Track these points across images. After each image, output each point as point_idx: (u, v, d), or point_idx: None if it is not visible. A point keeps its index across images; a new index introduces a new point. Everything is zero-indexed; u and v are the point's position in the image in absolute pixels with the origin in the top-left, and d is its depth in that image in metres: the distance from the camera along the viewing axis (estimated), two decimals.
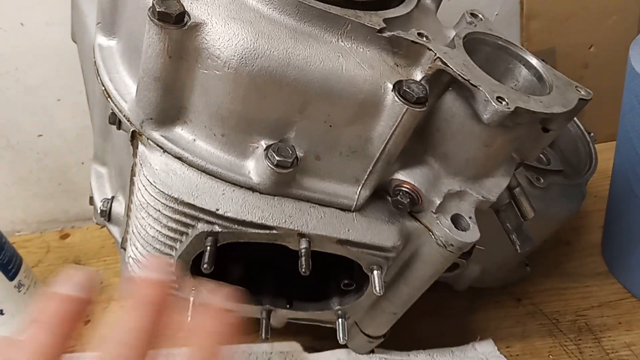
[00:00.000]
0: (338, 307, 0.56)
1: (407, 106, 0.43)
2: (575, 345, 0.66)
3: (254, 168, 0.45)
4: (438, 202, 0.49)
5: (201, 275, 0.47)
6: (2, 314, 0.75)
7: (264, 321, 0.55)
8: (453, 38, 0.47)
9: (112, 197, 0.59)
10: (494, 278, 0.70)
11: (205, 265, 0.44)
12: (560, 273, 0.74)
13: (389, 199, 0.49)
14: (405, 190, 0.48)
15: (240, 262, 0.56)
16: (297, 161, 0.45)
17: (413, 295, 0.55)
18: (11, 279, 0.75)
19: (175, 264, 0.48)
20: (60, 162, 1.00)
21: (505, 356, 0.65)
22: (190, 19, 0.40)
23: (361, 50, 0.44)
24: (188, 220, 0.46)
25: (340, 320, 0.56)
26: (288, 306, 0.57)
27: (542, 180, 0.63)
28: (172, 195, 0.44)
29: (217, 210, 0.44)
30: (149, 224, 0.47)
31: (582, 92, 0.48)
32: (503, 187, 0.51)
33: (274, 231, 0.46)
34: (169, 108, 0.44)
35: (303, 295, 0.58)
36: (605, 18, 0.83)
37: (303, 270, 0.45)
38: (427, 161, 0.49)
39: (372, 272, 0.50)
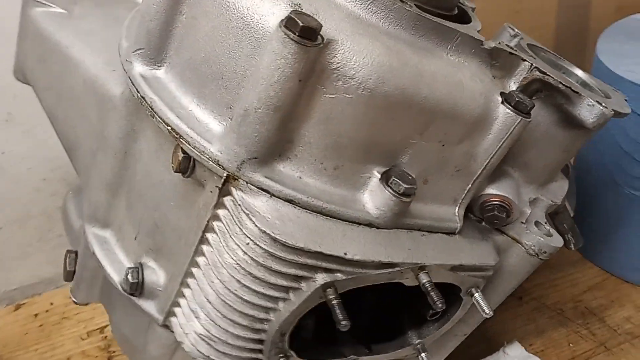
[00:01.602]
0: (418, 341, 0.52)
1: (520, 117, 0.42)
2: (587, 329, 0.71)
3: (370, 200, 0.40)
4: (527, 211, 0.48)
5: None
6: None
7: None
8: (520, 48, 0.48)
9: (140, 265, 0.47)
10: None
11: (343, 322, 0.38)
12: (545, 266, 0.79)
13: (473, 215, 0.48)
14: (498, 204, 0.47)
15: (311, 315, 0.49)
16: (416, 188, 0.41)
17: (490, 315, 0.53)
18: None
19: (275, 330, 0.41)
20: None
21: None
22: (323, 37, 0.34)
23: (467, 64, 0.42)
24: (305, 273, 0.39)
25: (424, 354, 0.52)
26: (368, 351, 0.51)
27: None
28: (296, 245, 0.37)
29: (346, 254, 0.38)
30: (245, 286, 0.39)
31: (623, 95, 0.52)
32: (565, 189, 0.52)
33: (397, 268, 0.41)
34: (277, 143, 0.37)
35: (376, 338, 0.53)
36: (530, 32, 0.92)
37: (439, 305, 0.41)
38: (507, 172, 0.49)
39: (472, 295, 0.47)
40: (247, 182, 0.37)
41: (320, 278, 0.39)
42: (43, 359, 0.74)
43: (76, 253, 0.55)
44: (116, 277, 0.48)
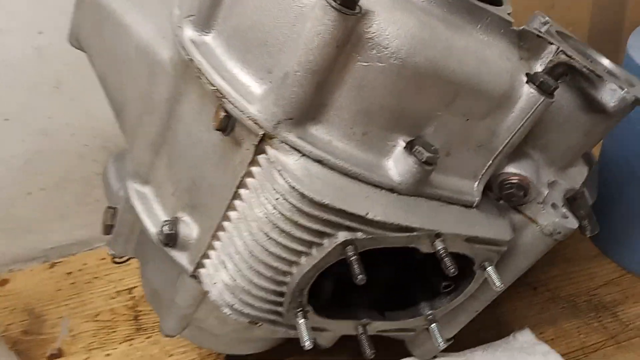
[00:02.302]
0: (430, 312, 0.55)
1: (543, 97, 0.44)
2: (598, 322, 0.72)
3: (394, 167, 0.43)
4: (545, 192, 0.50)
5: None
6: None
7: (363, 336, 0.52)
8: (549, 33, 0.50)
9: (176, 218, 0.51)
10: None
11: (360, 276, 0.41)
12: (562, 259, 0.81)
13: (492, 193, 0.50)
14: (517, 183, 0.49)
15: (330, 277, 0.52)
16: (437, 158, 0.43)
17: (502, 289, 0.55)
18: None
19: (295, 283, 0.44)
20: (1, 194, 0.84)
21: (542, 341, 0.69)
22: (361, 7, 0.37)
23: (496, 43, 0.44)
24: (328, 229, 0.41)
25: (434, 325, 0.54)
26: (381, 317, 0.54)
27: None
28: (322, 201, 0.40)
29: (367, 214, 0.41)
30: (272, 239, 0.42)
31: None
32: (585, 175, 0.54)
33: (415, 233, 0.44)
34: (312, 106, 0.40)
35: (390, 306, 0.55)
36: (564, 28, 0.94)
37: (452, 271, 0.43)
38: (528, 152, 0.51)
39: (485, 269, 0.49)
40: (281, 141, 0.40)
41: (342, 235, 0.41)
42: (73, 314, 0.79)
43: (115, 209, 0.59)
44: (153, 229, 0.51)
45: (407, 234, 0.43)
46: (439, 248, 0.45)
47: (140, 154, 0.52)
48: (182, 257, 0.51)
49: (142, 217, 0.51)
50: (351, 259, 0.41)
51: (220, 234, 0.46)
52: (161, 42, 0.49)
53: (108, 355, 0.73)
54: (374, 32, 0.38)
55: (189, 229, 0.50)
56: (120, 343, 0.74)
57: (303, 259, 0.43)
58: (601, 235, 0.81)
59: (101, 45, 0.55)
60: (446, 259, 0.44)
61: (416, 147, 0.42)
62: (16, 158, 0.80)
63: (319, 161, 0.41)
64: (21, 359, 0.71)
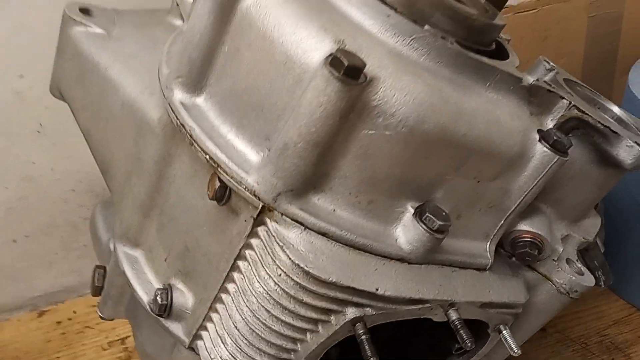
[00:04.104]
0: None
1: (557, 156, 0.41)
2: None
3: (403, 235, 0.40)
4: (560, 249, 0.48)
5: None
6: None
7: None
8: (556, 83, 0.47)
9: (169, 286, 0.48)
10: None
11: (372, 356, 0.38)
12: None
13: (504, 251, 0.47)
14: (530, 241, 0.46)
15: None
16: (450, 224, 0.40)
17: (518, 354, 0.53)
18: None
19: None
20: None
21: None
22: (366, 75, 0.34)
23: (505, 101, 0.41)
24: (335, 307, 0.38)
25: None
26: None
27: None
28: (328, 279, 0.37)
29: (377, 290, 0.38)
30: (274, 316, 0.39)
31: None
32: (598, 226, 0.52)
33: (427, 305, 0.41)
34: (314, 177, 0.37)
35: None
36: (557, 59, 0.92)
37: (468, 344, 0.41)
38: (539, 208, 0.48)
39: (500, 332, 0.47)
40: (282, 214, 0.37)
41: (350, 312, 0.39)
42: None
43: (104, 269, 0.56)
44: (145, 297, 0.48)
45: (420, 306, 0.41)
46: (453, 319, 0.42)
47: (129, 216, 0.49)
48: (177, 328, 0.47)
49: (133, 284, 0.48)
50: (362, 337, 0.39)
51: (218, 306, 0.43)
52: (149, 99, 0.46)
53: None
54: (380, 100, 0.35)
55: (184, 298, 0.47)
56: None
57: (309, 336, 0.40)
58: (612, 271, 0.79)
59: (85, 99, 0.52)
60: (462, 330, 0.41)
61: (426, 214, 0.39)
62: None
63: (324, 233, 0.38)
64: None
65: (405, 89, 0.35)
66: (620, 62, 0.87)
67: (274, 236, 0.38)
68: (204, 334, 0.45)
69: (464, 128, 0.38)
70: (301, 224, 0.37)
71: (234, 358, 0.42)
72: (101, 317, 0.57)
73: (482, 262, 0.45)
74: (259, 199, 0.37)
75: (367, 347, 0.38)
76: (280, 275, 0.38)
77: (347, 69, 0.32)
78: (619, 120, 0.51)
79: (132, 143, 0.47)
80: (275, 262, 0.38)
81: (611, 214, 0.76)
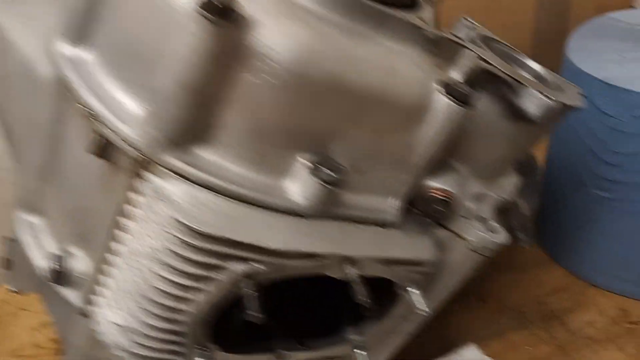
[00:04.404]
0: (356, 338, 0.51)
1: (458, 107, 0.40)
2: (546, 332, 0.69)
3: (296, 188, 0.39)
4: (470, 206, 0.47)
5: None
6: None
7: None
8: (471, 39, 0.46)
9: (66, 252, 0.46)
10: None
11: (255, 314, 0.36)
12: (510, 267, 0.78)
13: (416, 209, 0.46)
14: (439, 198, 0.45)
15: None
16: (345, 176, 0.39)
17: (435, 310, 0.52)
18: None
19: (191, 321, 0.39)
20: None
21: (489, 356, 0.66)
22: (244, 17, 0.32)
23: (407, 51, 0.40)
24: (219, 262, 0.37)
25: (360, 352, 0.50)
26: (300, 346, 0.50)
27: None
28: (211, 232, 0.35)
29: (265, 243, 0.37)
30: (159, 275, 0.38)
31: (578, 89, 0.50)
32: (516, 185, 0.51)
33: (322, 260, 0.40)
34: (195, 127, 0.36)
35: (311, 333, 0.51)
36: (505, 32, 0.91)
37: (364, 300, 0.40)
38: (452, 164, 0.47)
39: (409, 291, 0.46)
40: (163, 167, 0.36)
41: (238, 268, 0.37)
42: None
43: (14, 240, 0.54)
44: (42, 264, 0.46)
45: (313, 261, 0.40)
46: (351, 274, 0.41)
47: (27, 181, 0.47)
48: (72, 294, 0.46)
49: (27, 251, 0.46)
50: (247, 293, 0.37)
51: (110, 269, 0.41)
52: (44, 58, 0.44)
53: None
54: (261, 45, 0.33)
55: (80, 263, 0.45)
56: None
57: (198, 296, 0.39)
58: (550, 241, 0.79)
59: None
60: (357, 287, 0.40)
61: (320, 166, 0.38)
62: None
63: (208, 187, 0.36)
64: None
65: (288, 34, 0.34)
66: (571, 33, 0.86)
67: (156, 191, 0.36)
68: (97, 299, 0.43)
69: (355, 76, 0.36)
70: (184, 177, 0.36)
71: (125, 321, 0.40)
72: (12, 291, 0.55)
73: (387, 219, 0.44)
74: (140, 152, 0.36)
75: (251, 303, 0.37)
76: (163, 231, 0.36)
77: (218, 10, 0.31)
78: (539, 77, 0.50)
79: (28, 103, 0.45)
80: (157, 218, 0.36)
81: (552, 181, 0.76)
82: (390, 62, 0.38)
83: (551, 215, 0.77)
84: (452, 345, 0.67)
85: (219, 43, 0.32)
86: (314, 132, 0.38)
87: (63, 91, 0.42)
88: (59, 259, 0.45)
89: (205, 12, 0.31)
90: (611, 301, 0.72)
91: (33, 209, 0.48)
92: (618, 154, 0.61)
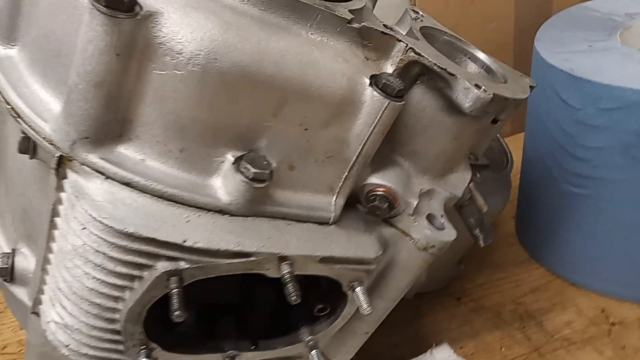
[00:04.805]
0: (310, 338, 0.50)
1: (388, 100, 0.39)
2: (522, 333, 0.67)
3: (222, 186, 0.38)
4: (414, 203, 0.46)
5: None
6: None
7: None
8: (410, 31, 0.45)
9: (13, 250, 0.46)
10: (436, 280, 0.69)
11: (176, 313, 0.36)
12: (489, 266, 0.76)
13: (361, 206, 0.45)
14: (381, 195, 0.44)
15: (191, 304, 0.48)
16: (273, 173, 0.39)
17: (388, 309, 0.51)
18: None
19: (124, 320, 0.39)
20: None
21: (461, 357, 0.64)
22: (142, 7, 0.32)
23: (332, 43, 0.40)
24: (144, 260, 0.37)
25: (314, 352, 0.50)
26: (253, 347, 0.49)
27: (478, 176, 0.63)
28: (126, 230, 0.35)
29: (185, 241, 0.36)
30: (87, 273, 0.37)
31: (529, 81, 0.49)
32: (467, 181, 0.50)
33: (252, 258, 0.39)
34: (110, 122, 0.35)
35: (265, 333, 0.51)
36: (486, 23, 0.89)
37: (293, 298, 0.39)
38: (396, 161, 0.46)
39: (354, 290, 0.45)
40: (81, 164, 0.36)
41: (162, 266, 0.37)
42: None
43: None
44: None
45: (243, 259, 0.39)
46: (283, 273, 0.40)
47: None
48: (22, 293, 0.46)
49: None
50: (172, 291, 0.37)
51: (48, 266, 0.41)
52: None
53: None
54: (164, 36, 0.33)
55: (27, 261, 0.46)
56: None
57: (127, 294, 0.38)
58: (529, 239, 0.77)
59: None
60: (290, 284, 0.40)
61: (243, 163, 0.38)
62: None
63: (127, 184, 0.36)
64: None
65: (193, 25, 0.34)
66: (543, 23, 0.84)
67: (75, 189, 0.36)
68: (42, 297, 0.43)
69: (271, 69, 0.36)
70: (102, 174, 0.36)
71: (63, 319, 0.40)
72: None
73: (324, 216, 0.43)
74: (57, 148, 0.36)
75: (174, 301, 0.36)
76: (83, 229, 0.36)
77: (112, 1, 0.30)
78: (486, 68, 0.49)
79: None
80: (75, 215, 0.36)
81: (526, 177, 0.74)
82: (310, 55, 0.37)
83: (529, 212, 0.75)
84: (427, 345, 0.66)
85: (118, 35, 0.32)
86: (236, 128, 0.37)
87: None
88: (8, 258, 0.45)
89: (97, 4, 0.31)
90: (591, 301, 0.70)
91: None
92: (587, 148, 0.59)
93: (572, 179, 0.63)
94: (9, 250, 0.47)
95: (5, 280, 0.46)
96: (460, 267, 0.73)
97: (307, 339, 0.50)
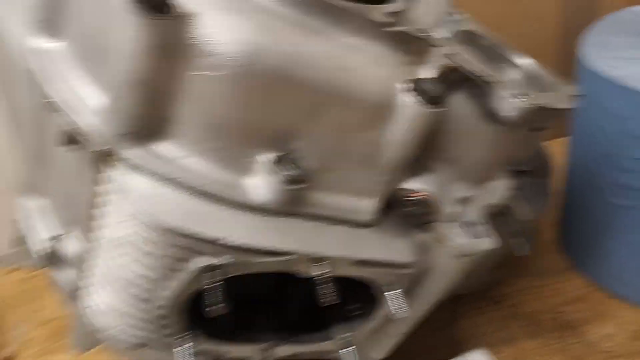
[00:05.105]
0: (343, 335, 0.51)
1: (424, 106, 0.39)
2: (560, 343, 0.66)
3: (259, 185, 0.39)
4: (452, 210, 0.45)
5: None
6: None
7: None
8: (450, 35, 0.45)
9: (59, 235, 0.49)
10: (475, 284, 0.69)
11: (212, 307, 0.37)
12: (529, 273, 0.75)
13: (398, 210, 0.45)
14: (417, 200, 0.44)
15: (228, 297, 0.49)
16: (309, 174, 0.39)
17: (423, 313, 0.51)
18: None
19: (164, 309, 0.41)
20: None
21: None
22: (180, 8, 0.33)
23: (367, 47, 0.39)
24: (181, 255, 0.38)
25: (347, 349, 0.50)
26: (287, 340, 0.50)
27: (518, 183, 0.62)
28: (165, 226, 0.36)
29: (223, 238, 0.37)
30: (126, 265, 0.39)
31: (574, 89, 0.48)
32: (507, 189, 0.49)
33: (287, 257, 0.40)
34: (151, 120, 0.37)
35: (298, 328, 0.52)
36: (530, 22, 0.87)
37: (326, 299, 0.40)
38: (434, 166, 0.46)
39: (388, 293, 0.45)
40: (122, 160, 0.37)
41: (200, 262, 0.38)
42: (28, 319, 0.78)
43: None
44: (39, 246, 0.49)
45: (279, 258, 0.40)
46: (317, 274, 0.41)
47: (29, 164, 0.50)
48: (64, 278, 0.48)
49: (25, 234, 0.50)
50: (208, 286, 0.38)
51: (92, 254, 0.43)
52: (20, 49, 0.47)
53: None
54: (201, 38, 0.34)
55: (71, 247, 0.48)
56: (68, 351, 0.73)
57: (165, 286, 0.40)
58: (572, 248, 0.75)
59: None
60: (323, 285, 0.40)
61: (282, 164, 0.38)
62: None
63: (168, 181, 0.37)
64: None
65: (231, 27, 0.34)
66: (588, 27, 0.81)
67: (116, 185, 0.38)
68: (86, 282, 0.46)
69: (305, 72, 0.36)
70: (142, 169, 0.37)
71: (107, 304, 0.42)
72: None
73: (360, 219, 0.43)
74: (99, 144, 0.37)
75: (208, 295, 0.38)
76: (123, 223, 0.38)
77: (152, 3, 0.32)
78: (530, 75, 0.48)
79: (16, 94, 0.48)
80: (118, 210, 0.38)
81: (572, 187, 0.72)
82: (345, 59, 0.37)
83: (573, 220, 0.73)
84: (462, 348, 0.65)
85: (156, 36, 0.33)
86: (272, 129, 0.38)
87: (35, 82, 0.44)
88: (51, 243, 0.47)
89: (138, 5, 0.31)
90: (633, 314, 0.68)
91: (34, 193, 0.51)
92: (633, 159, 0.57)
93: (618, 190, 0.61)
94: (52, 233, 0.49)
95: (50, 262, 0.48)
96: (500, 273, 0.72)
97: (340, 337, 0.51)
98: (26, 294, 0.83)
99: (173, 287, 0.40)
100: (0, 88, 0.52)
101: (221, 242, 0.37)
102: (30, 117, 0.46)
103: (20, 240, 0.58)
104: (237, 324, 0.49)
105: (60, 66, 0.39)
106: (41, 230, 0.49)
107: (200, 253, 0.38)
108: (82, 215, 0.43)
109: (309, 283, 0.51)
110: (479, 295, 0.74)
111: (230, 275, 0.39)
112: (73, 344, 0.56)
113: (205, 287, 0.38)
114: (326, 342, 0.51)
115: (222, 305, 0.37)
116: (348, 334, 0.51)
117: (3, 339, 0.75)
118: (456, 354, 0.65)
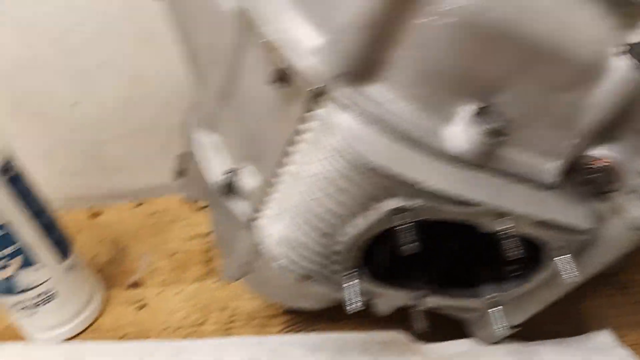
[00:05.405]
0: (492, 295, 0.51)
1: (636, 72, 0.38)
2: None
3: (459, 135, 0.39)
4: (633, 182, 0.44)
5: None
6: (54, 298, 0.66)
7: (418, 309, 0.50)
8: None
9: (236, 168, 0.51)
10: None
11: (405, 247, 0.38)
12: None
13: (579, 176, 0.45)
14: (601, 167, 0.43)
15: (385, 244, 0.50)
16: (509, 128, 0.39)
17: (579, 283, 0.50)
18: (63, 259, 0.67)
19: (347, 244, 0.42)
20: (95, 135, 0.89)
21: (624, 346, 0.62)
22: None
23: (587, 6, 0.38)
24: (378, 195, 0.39)
25: (495, 309, 0.51)
26: (440, 292, 0.51)
27: None
28: (369, 165, 0.37)
29: (421, 182, 0.38)
30: (316, 200, 0.41)
31: None
32: None
33: (475, 209, 0.40)
34: (368, 62, 0.37)
35: (449, 283, 0.52)
36: None
37: (512, 254, 0.40)
38: (624, 135, 0.44)
39: (559, 258, 0.45)
40: (335, 98, 0.38)
41: (394, 202, 0.39)
42: (152, 251, 0.84)
43: (190, 153, 0.61)
44: (215, 177, 0.52)
45: (467, 208, 0.40)
46: (500, 228, 0.41)
47: (208, 103, 0.53)
48: (240, 208, 0.51)
49: (204, 165, 0.52)
50: (400, 227, 0.39)
51: (276, 187, 0.45)
52: None
53: (178, 293, 0.76)
54: None
55: (248, 179, 0.50)
56: (191, 283, 0.78)
57: (357, 220, 0.41)
58: None
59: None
60: (508, 240, 0.40)
61: (484, 115, 0.38)
62: (108, 101, 0.85)
63: (376, 121, 0.38)
64: (104, 284, 0.77)
65: None
66: None
67: (326, 119, 0.39)
68: (263, 213, 0.48)
69: (531, 24, 0.36)
70: (354, 109, 0.38)
71: (287, 234, 0.44)
72: (185, 199, 0.63)
73: (545, 179, 0.43)
74: (314, 82, 0.38)
75: (402, 235, 0.39)
76: (328, 157, 0.39)
77: None
78: None
79: (211, 34, 0.50)
80: (325, 144, 0.39)
81: None
82: (569, 16, 0.36)
83: None
84: (583, 328, 0.64)
85: None
86: (482, 80, 0.38)
87: (244, 22, 0.46)
88: (231, 173, 0.50)
89: None
90: None
91: (211, 128, 0.53)
92: None
93: None
94: (230, 166, 0.52)
95: (226, 194, 0.51)
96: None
97: (489, 296, 0.51)
98: (151, 227, 0.88)
99: (359, 225, 0.41)
100: (187, 35, 0.54)
101: (418, 185, 0.38)
102: (221, 58, 0.48)
103: (183, 172, 0.61)
104: (393, 271, 0.50)
105: (279, 6, 0.40)
106: (216, 165, 0.52)
107: (394, 195, 0.39)
108: (271, 151, 0.45)
109: (462, 239, 0.52)
110: (606, 279, 0.72)
111: (419, 219, 0.40)
112: (223, 273, 0.60)
113: (398, 227, 0.39)
114: (474, 299, 0.52)
115: (415, 244, 0.38)
116: (497, 294, 0.51)
117: (131, 267, 0.81)
118: (577, 332, 0.64)
